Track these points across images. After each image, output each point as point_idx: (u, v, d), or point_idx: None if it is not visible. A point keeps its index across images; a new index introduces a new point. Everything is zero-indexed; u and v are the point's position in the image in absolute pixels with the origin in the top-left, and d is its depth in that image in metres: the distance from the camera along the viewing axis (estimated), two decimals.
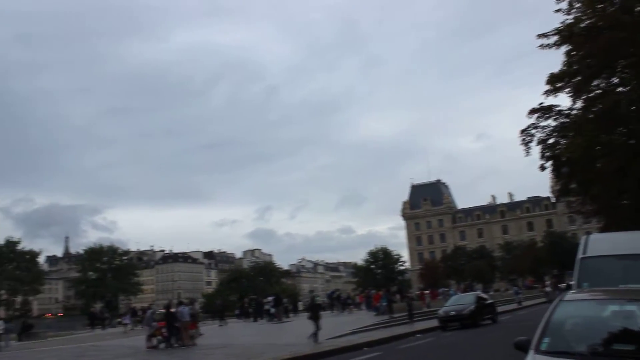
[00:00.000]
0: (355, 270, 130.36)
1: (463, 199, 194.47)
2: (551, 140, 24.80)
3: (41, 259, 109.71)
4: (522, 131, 24.91)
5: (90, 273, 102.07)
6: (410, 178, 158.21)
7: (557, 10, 22.86)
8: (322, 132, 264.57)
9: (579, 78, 23.28)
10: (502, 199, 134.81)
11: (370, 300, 41.06)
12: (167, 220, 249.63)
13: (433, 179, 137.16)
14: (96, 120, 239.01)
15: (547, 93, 24.09)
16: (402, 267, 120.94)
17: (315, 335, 20.43)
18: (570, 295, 6.71)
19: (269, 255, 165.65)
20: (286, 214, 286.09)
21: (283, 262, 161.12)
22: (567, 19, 22.65)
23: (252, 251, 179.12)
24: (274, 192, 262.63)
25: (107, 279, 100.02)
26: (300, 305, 60.89)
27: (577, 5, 22.32)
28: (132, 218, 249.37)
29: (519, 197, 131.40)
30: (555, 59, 23.55)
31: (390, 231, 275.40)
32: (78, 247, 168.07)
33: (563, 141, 24.50)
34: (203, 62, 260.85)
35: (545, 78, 23.88)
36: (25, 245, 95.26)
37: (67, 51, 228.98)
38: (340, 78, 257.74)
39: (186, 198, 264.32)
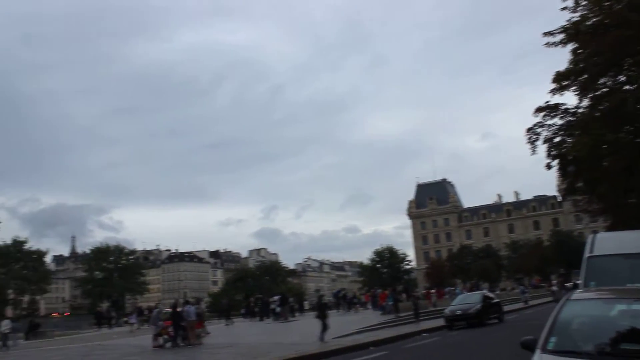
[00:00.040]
0: (361, 269, 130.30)
1: (469, 198, 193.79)
2: (557, 139, 24.70)
3: (48, 259, 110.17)
4: (528, 130, 24.82)
5: (97, 272, 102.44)
6: (416, 177, 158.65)
7: (563, 8, 22.78)
8: (328, 132, 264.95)
9: (585, 76, 23.18)
10: (508, 197, 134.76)
11: (376, 300, 41.03)
12: (173, 219, 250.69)
13: (439, 178, 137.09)
14: (101, 120, 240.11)
15: (553, 91, 24.00)
16: (408, 266, 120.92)
17: (322, 333, 20.46)
18: (577, 294, 6.68)
19: (275, 254, 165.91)
20: (292, 214, 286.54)
21: (289, 261, 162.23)
22: (573, 17, 22.56)
23: (258, 250, 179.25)
24: (279, 192, 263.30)
25: (113, 279, 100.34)
26: (306, 305, 60.96)
27: (584, 2, 22.21)
28: (138, 218, 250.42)
29: (525, 196, 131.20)
30: (561, 57, 23.42)
31: (396, 230, 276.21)
32: (84, 246, 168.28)
33: (569, 140, 24.40)
34: (208, 62, 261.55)
35: (551, 76, 23.81)
36: (32, 245, 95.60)
37: (72, 51, 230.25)
38: (345, 77, 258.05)
39: (192, 197, 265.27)
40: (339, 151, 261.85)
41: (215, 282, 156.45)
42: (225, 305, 47.56)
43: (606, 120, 22.50)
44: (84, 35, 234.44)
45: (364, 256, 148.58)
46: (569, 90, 23.93)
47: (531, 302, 44.95)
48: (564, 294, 11.33)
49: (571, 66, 23.38)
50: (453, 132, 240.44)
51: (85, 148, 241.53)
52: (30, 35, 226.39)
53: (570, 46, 22.93)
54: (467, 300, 28.49)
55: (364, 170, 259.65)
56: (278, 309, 39.13)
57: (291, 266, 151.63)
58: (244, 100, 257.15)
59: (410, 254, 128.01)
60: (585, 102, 24.12)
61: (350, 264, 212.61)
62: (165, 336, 23.10)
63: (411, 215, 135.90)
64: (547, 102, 24.19)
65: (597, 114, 23.30)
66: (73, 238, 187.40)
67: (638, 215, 23.37)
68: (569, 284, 41.01)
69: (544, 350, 5.37)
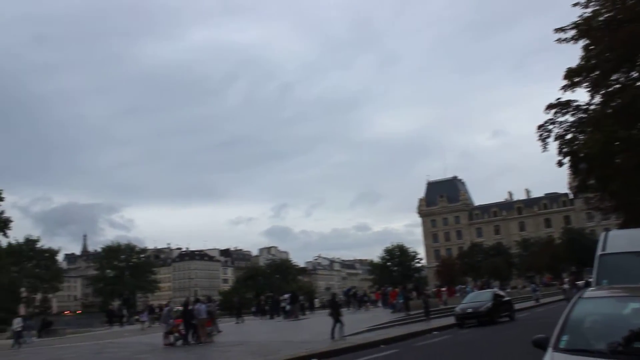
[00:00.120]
0: (372, 267, 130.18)
1: (480, 196, 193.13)
2: (569, 136, 24.58)
3: (60, 257, 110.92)
4: (540, 127, 24.70)
5: (108, 271, 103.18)
6: (427, 175, 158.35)
7: (575, 4, 22.63)
8: (338, 130, 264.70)
9: (597, 72, 23.03)
10: (519, 195, 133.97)
11: (387, 298, 40.99)
12: (183, 218, 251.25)
13: (449, 175, 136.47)
14: (112, 120, 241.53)
15: (565, 88, 23.87)
16: (418, 264, 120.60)
17: (332, 331, 20.50)
18: (589, 292, 6.62)
19: (285, 252, 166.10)
20: (302, 212, 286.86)
21: (299, 259, 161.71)
22: (585, 13, 22.42)
23: (268, 249, 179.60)
24: (289, 190, 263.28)
25: (124, 277, 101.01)
26: (317, 303, 60.98)
27: None
28: (149, 216, 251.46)
29: (536, 193, 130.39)
30: (573, 54, 23.35)
31: (406, 228, 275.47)
32: (96, 245, 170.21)
33: (581, 137, 24.27)
34: (218, 61, 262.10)
35: (562, 73, 23.67)
36: (44, 243, 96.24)
37: (82, 52, 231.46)
38: (355, 75, 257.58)
39: (202, 196, 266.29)
40: (349, 149, 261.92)
41: (225, 281, 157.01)
42: (236, 304, 47.67)
43: (618, 116, 22.34)
44: (94, 36, 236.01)
45: (375, 254, 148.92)
46: (580, 87, 23.80)
47: (542, 300, 44.72)
48: (575, 293, 11.25)
49: (583, 62, 23.24)
50: (464, 130, 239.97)
51: (97, 147, 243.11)
52: (41, 36, 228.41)
53: (582, 42, 22.79)
54: (478, 298, 28.38)
55: (374, 168, 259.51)
56: (288, 307, 39.19)
57: (301, 264, 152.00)
58: (254, 98, 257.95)
59: (421, 252, 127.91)
60: (597, 99, 23.98)
61: (361, 262, 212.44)
62: (176, 334, 23.18)
63: (422, 213, 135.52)
64: (559, 99, 24.08)
65: (609, 111, 23.14)
66: (84, 237, 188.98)
67: None
68: (580, 282, 40.74)
69: (556, 348, 5.33)
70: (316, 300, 65.68)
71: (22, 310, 67.04)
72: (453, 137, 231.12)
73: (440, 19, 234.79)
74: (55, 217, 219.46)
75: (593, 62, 22.91)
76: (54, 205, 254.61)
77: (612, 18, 21.60)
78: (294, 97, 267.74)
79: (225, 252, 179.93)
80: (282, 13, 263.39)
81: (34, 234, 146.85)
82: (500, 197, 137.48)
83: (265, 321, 40.78)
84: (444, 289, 50.20)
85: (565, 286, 49.32)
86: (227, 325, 33.54)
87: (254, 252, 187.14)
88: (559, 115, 24.35)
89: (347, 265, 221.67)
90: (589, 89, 23.91)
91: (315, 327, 27.34)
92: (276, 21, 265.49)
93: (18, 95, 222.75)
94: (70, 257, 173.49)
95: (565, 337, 5.42)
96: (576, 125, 24.44)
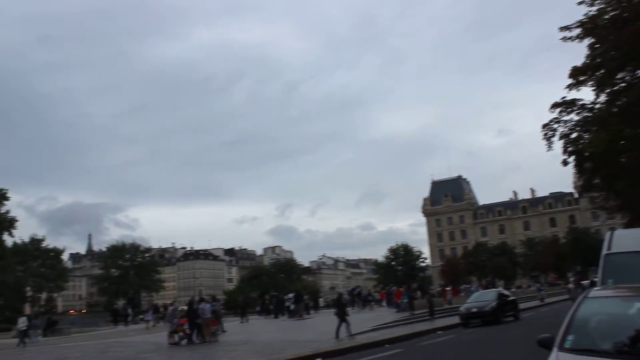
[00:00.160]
0: (376, 267, 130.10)
1: (484, 195, 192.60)
2: (574, 135, 24.50)
3: (65, 257, 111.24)
4: (544, 126, 24.64)
5: (113, 270, 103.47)
6: (431, 174, 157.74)
7: (580, 2, 22.57)
8: (343, 129, 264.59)
9: (602, 71, 22.96)
10: (524, 194, 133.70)
11: (391, 297, 40.95)
12: (188, 217, 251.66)
13: (454, 175, 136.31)
14: (118, 119, 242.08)
15: (570, 87, 23.80)
16: (423, 264, 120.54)
17: (337, 330, 20.51)
18: (594, 292, 6.60)
19: (290, 252, 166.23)
20: (307, 211, 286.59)
21: (303, 259, 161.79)
22: (590, 11, 22.35)
23: (273, 248, 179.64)
24: (294, 189, 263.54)
25: (129, 276, 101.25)
26: (321, 302, 60.97)
27: None
28: (153, 216, 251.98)
29: (541, 192, 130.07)
30: (578, 52, 23.29)
31: (411, 228, 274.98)
32: (101, 244, 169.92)
33: (586, 135, 24.20)
34: (223, 60, 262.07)
35: (567, 72, 23.59)
36: (49, 242, 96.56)
37: (88, 51, 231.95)
38: (359, 74, 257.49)
39: (207, 195, 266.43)
40: (354, 148, 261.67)
41: (230, 280, 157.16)
42: (241, 303, 47.73)
43: (624, 115, 22.27)
44: (100, 35, 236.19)
45: (379, 254, 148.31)
46: (585, 86, 23.72)
47: (547, 300, 44.64)
48: (580, 292, 11.21)
49: (588, 61, 23.17)
50: (468, 129, 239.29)
51: (102, 147, 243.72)
52: (47, 35, 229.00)
53: (587, 41, 22.72)
54: (482, 297, 28.32)
55: (378, 168, 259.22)
56: (293, 307, 39.20)
57: (306, 264, 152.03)
58: (259, 98, 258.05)
59: (425, 251, 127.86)
60: (603, 98, 23.90)
61: (365, 261, 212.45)
62: (181, 333, 23.21)
63: (426, 212, 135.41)
64: (564, 97, 24.02)
65: (615, 110, 23.07)
66: (89, 236, 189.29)
67: None
68: (585, 282, 40.63)
69: (561, 348, 5.30)
70: (320, 299, 65.65)
71: (27, 309, 67.31)
72: (458, 136, 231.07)
73: (444, 17, 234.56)
74: (61, 217, 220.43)
75: (598, 60, 22.83)
76: (59, 204, 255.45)
77: (618, 16, 21.52)
78: (299, 96, 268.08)
79: (230, 252, 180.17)
80: (287, 12, 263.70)
81: (39, 233, 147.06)
82: (505, 197, 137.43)
83: (269, 320, 40.81)
84: (448, 288, 50.14)
85: (570, 286, 49.23)
86: (231, 325, 33.58)
87: (259, 252, 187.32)
88: (564, 114, 24.29)
89: (352, 264, 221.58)
90: (594, 88, 23.84)
91: (319, 327, 27.34)
92: (281, 20, 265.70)
93: (24, 95, 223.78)
94: (75, 257, 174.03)
95: (570, 337, 5.40)
96: (581, 124, 24.36)
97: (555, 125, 24.44)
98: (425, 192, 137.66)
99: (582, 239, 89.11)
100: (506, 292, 32.46)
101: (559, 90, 25.43)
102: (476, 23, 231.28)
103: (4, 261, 65.74)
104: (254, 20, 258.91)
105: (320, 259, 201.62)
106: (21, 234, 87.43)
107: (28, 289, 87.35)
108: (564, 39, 22.77)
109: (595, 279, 12.30)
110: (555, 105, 24.18)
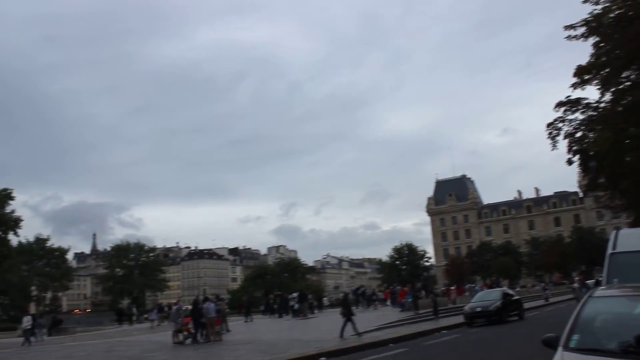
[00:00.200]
0: (380, 266, 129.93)
1: (489, 194, 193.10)
2: (579, 134, 24.44)
3: (70, 256, 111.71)
4: (549, 125, 24.58)
5: (118, 270, 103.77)
6: (435, 173, 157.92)
7: (585, 1, 22.49)
8: (347, 128, 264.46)
9: (607, 70, 22.88)
10: (529, 194, 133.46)
11: (396, 297, 40.92)
12: (192, 217, 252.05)
13: (458, 174, 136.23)
14: (123, 119, 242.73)
15: (575, 86, 23.73)
16: (427, 263, 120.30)
17: (342, 330, 20.52)
18: (599, 291, 6.58)
19: (294, 251, 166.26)
20: (311, 210, 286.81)
21: (308, 258, 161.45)
22: (595, 10, 22.27)
23: (277, 247, 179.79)
24: (298, 189, 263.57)
25: (134, 276, 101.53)
26: (325, 301, 60.97)
27: None
28: (158, 215, 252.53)
29: (546, 192, 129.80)
30: (583, 51, 23.14)
31: (415, 227, 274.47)
32: (105, 244, 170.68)
33: (591, 134, 24.12)
34: (227, 60, 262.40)
35: (572, 71, 23.52)
36: (54, 242, 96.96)
37: (92, 51, 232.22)
38: (363, 73, 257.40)
39: (211, 195, 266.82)
40: (358, 148, 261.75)
41: (234, 279, 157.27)
42: (245, 302, 47.79)
43: (629, 114, 22.19)
44: (104, 35, 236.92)
45: (383, 253, 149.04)
46: (590, 85, 23.66)
47: (552, 300, 44.52)
48: (585, 292, 11.18)
49: (593, 60, 23.09)
50: (473, 128, 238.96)
51: (107, 146, 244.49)
52: (52, 36, 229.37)
53: (592, 39, 22.64)
54: (487, 297, 28.24)
55: (383, 167, 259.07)
56: (297, 306, 39.21)
57: (310, 263, 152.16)
58: (263, 97, 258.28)
59: (430, 250, 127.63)
60: (608, 96, 23.82)
61: (369, 260, 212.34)
62: (185, 333, 23.24)
63: (430, 211, 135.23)
64: (568, 96, 23.94)
65: (620, 108, 22.99)
66: (94, 235, 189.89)
67: None
68: (590, 281, 40.53)
69: (566, 347, 5.29)
70: (325, 299, 65.63)
71: (32, 308, 67.60)
72: (462, 135, 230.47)
73: (449, 16, 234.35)
74: (65, 216, 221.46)
75: (603, 59, 22.76)
76: (64, 204, 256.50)
77: (623, 15, 21.43)
78: (303, 95, 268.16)
79: (234, 251, 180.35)
80: (291, 11, 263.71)
81: (44, 232, 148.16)
82: (510, 196, 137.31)
83: (274, 320, 40.84)
84: (452, 287, 50.03)
85: (575, 285, 49.09)
86: (236, 324, 33.62)
87: (263, 251, 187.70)
88: (568, 113, 24.22)
89: (356, 264, 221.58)
90: (599, 87, 23.76)
91: (324, 326, 27.36)
92: (284, 20, 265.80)
93: (29, 95, 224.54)
94: (80, 256, 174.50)
95: (575, 337, 5.38)
96: (586, 123, 24.29)
97: (560, 124, 24.38)
98: (430, 191, 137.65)
99: (586, 239, 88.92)
100: (511, 292, 32.35)
101: (564, 89, 25.49)
102: (481, 22, 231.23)
103: (9, 261, 65.95)
104: (257, 20, 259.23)
105: (325, 258, 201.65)
106: (26, 233, 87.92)
107: (33, 288, 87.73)
108: (569, 37, 22.70)
109: (600, 279, 12.25)
110: (559, 104, 24.11)
